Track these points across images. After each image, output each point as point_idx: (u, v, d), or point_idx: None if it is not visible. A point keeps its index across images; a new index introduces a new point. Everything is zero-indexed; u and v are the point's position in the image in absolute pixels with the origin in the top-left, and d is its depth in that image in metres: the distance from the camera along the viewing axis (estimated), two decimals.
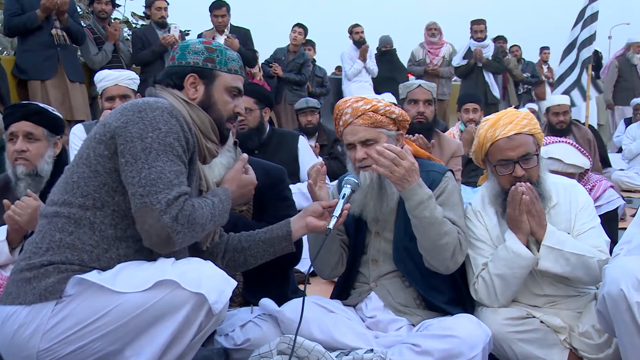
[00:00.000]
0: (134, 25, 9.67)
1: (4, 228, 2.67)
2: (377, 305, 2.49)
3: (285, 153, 4.22)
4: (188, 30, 9.50)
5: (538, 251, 2.39)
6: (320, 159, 4.61)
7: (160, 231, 1.83)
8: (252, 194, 2.35)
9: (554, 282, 2.48)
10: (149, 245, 1.90)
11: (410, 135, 3.91)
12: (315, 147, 5.49)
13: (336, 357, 2.26)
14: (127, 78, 4.00)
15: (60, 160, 2.88)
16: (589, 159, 3.43)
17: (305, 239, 2.61)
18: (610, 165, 7.20)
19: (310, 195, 2.49)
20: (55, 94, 5.69)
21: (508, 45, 10.42)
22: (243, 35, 7.13)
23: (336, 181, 2.73)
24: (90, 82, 5.75)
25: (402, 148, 2.41)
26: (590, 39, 7.39)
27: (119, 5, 9.22)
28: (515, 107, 3.20)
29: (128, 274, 1.87)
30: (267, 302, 2.45)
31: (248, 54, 7.00)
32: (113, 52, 6.37)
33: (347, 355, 2.27)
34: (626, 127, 8.48)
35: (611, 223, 3.58)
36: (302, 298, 2.22)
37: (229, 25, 7.09)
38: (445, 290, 2.49)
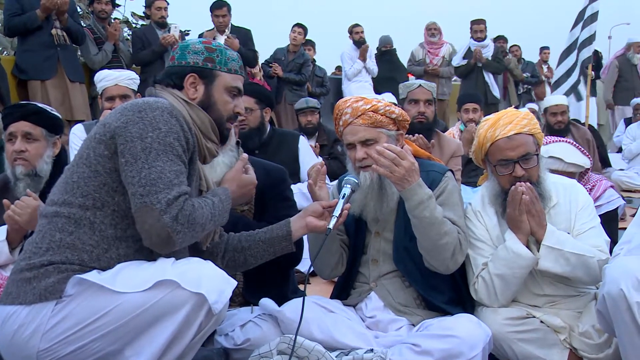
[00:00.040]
0: (134, 25, 9.68)
1: (4, 228, 2.67)
2: (377, 305, 2.49)
3: (285, 153, 4.22)
4: (188, 30, 9.50)
5: (538, 251, 2.39)
6: (320, 159, 4.61)
7: (160, 231, 1.83)
8: (252, 194, 2.35)
9: (554, 282, 2.48)
10: (149, 245, 1.90)
11: (410, 135, 3.91)
12: (315, 147, 5.49)
13: (336, 357, 2.26)
14: (127, 78, 4.00)
15: (60, 160, 2.88)
16: (589, 158, 3.44)
17: (305, 239, 2.61)
18: (610, 165, 7.20)
19: (310, 195, 2.49)
20: (55, 94, 5.69)
21: (508, 45, 10.42)
22: (244, 36, 7.13)
23: (336, 181, 2.73)
24: (90, 82, 5.75)
25: (402, 148, 2.41)
26: (590, 39, 7.39)
27: (119, 5, 9.22)
28: (515, 107, 3.20)
29: (128, 274, 1.87)
30: (267, 302, 2.45)
31: (248, 54, 7.00)
32: (113, 52, 6.37)
33: (347, 355, 2.27)
34: (626, 127, 8.49)
35: (611, 223, 3.58)
36: (302, 298, 2.22)
37: (229, 25, 7.09)
38: (445, 290, 2.49)
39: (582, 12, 7.36)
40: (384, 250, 2.52)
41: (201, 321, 1.85)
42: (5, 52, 8.43)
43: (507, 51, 10.18)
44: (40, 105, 2.96)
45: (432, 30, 9.30)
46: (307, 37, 8.56)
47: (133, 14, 10.02)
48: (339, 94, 8.58)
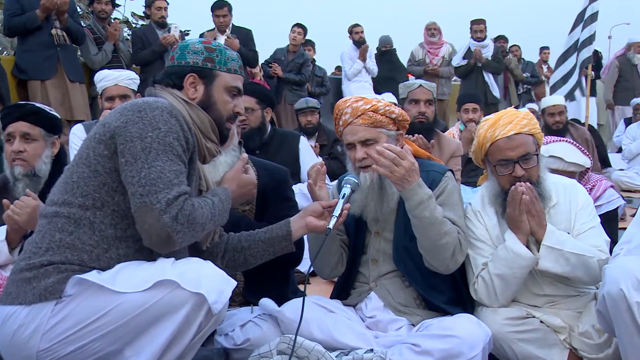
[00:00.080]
0: (134, 25, 9.68)
1: (4, 228, 2.67)
2: (377, 305, 2.49)
3: (286, 153, 4.22)
4: (188, 30, 9.51)
5: (538, 251, 2.39)
6: (320, 159, 4.61)
7: (160, 231, 1.83)
8: (252, 194, 2.35)
9: (554, 282, 2.48)
10: (148, 244, 1.90)
11: (410, 136, 3.91)
12: (315, 147, 5.49)
13: (336, 357, 2.26)
14: (127, 78, 4.01)
15: (59, 160, 2.88)
16: (589, 158, 3.44)
17: (305, 239, 2.61)
18: (610, 165, 7.20)
19: (310, 195, 2.49)
20: (55, 94, 5.69)
21: (508, 45, 10.42)
22: (244, 36, 7.12)
23: (336, 181, 2.73)
24: (90, 82, 5.75)
25: (402, 148, 2.41)
26: (590, 39, 7.39)
27: (119, 5, 9.23)
28: (515, 107, 3.20)
29: (128, 274, 1.87)
30: (267, 302, 2.45)
31: (249, 54, 7.00)
32: (113, 52, 6.37)
33: (347, 355, 2.27)
34: (626, 127, 8.49)
35: (611, 223, 3.58)
36: (302, 298, 2.22)
37: (230, 25, 7.08)
38: (445, 290, 2.49)
39: (582, 14, 7.36)
40: (384, 250, 2.52)
41: (201, 321, 1.85)
42: (5, 52, 8.43)
43: (507, 51, 10.18)
44: (38, 105, 2.95)
45: (432, 30, 9.30)
46: (307, 37, 8.56)
47: (133, 14, 10.03)
48: (339, 94, 8.58)
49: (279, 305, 2.41)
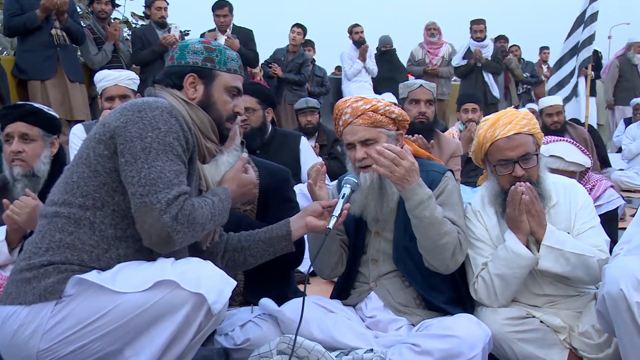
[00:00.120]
0: (133, 25, 9.68)
1: (3, 228, 2.67)
2: (377, 305, 2.49)
3: (287, 153, 4.22)
4: (188, 30, 9.52)
5: (538, 251, 2.39)
6: (320, 159, 4.61)
7: (160, 231, 1.83)
8: (252, 193, 2.35)
9: (554, 282, 2.48)
10: (148, 244, 1.90)
11: (410, 136, 3.91)
12: (315, 147, 5.49)
13: (336, 357, 2.26)
14: (126, 78, 4.01)
15: (58, 160, 2.88)
16: (589, 157, 3.44)
17: (306, 239, 2.61)
18: (610, 165, 7.20)
19: (310, 195, 2.49)
20: (55, 94, 5.69)
21: (508, 45, 10.42)
22: (245, 36, 7.11)
23: (336, 181, 2.73)
24: (90, 82, 5.76)
25: (402, 148, 2.41)
26: (590, 39, 7.39)
27: (119, 5, 9.23)
28: (515, 107, 3.20)
29: (128, 274, 1.87)
30: (267, 302, 2.45)
31: (249, 54, 7.00)
32: (113, 52, 6.37)
33: (347, 355, 2.27)
34: (626, 127, 8.49)
35: (611, 223, 3.58)
36: (302, 298, 2.22)
37: (231, 25, 7.08)
38: (445, 290, 2.49)
39: (580, 17, 7.34)
40: (383, 250, 2.52)
41: (201, 321, 1.85)
42: (5, 52, 8.44)
43: (507, 51, 10.18)
44: (36, 105, 2.95)
45: (432, 30, 9.30)
46: (306, 37, 8.56)
47: (133, 14, 10.04)
48: (339, 94, 8.58)
49: (279, 305, 2.41)
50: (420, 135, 4.09)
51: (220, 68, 2.13)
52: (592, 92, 9.05)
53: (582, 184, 3.11)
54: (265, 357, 2.27)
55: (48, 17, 5.63)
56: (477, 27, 8.96)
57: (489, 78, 8.90)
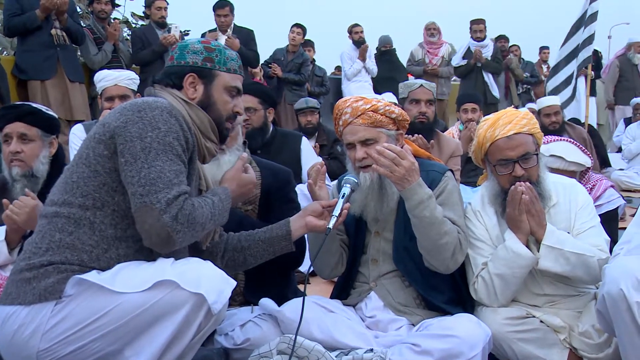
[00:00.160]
0: (133, 25, 9.68)
1: (3, 228, 2.67)
2: (377, 305, 2.49)
3: (287, 153, 4.22)
4: (188, 30, 9.52)
5: (538, 251, 2.39)
6: (320, 159, 4.61)
7: (160, 230, 1.83)
8: (252, 193, 2.35)
9: (554, 282, 2.48)
10: (148, 244, 1.90)
11: (410, 135, 3.91)
12: (315, 147, 5.49)
13: (336, 357, 2.25)
14: (126, 78, 4.01)
15: (57, 160, 2.88)
16: (589, 157, 3.44)
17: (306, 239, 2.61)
18: (610, 165, 7.20)
19: (310, 195, 2.49)
20: (55, 94, 5.69)
21: (508, 45, 10.41)
22: (246, 36, 7.10)
23: (336, 181, 2.73)
24: (90, 82, 5.76)
25: (402, 148, 2.41)
26: (590, 39, 7.38)
27: (119, 5, 9.23)
28: (515, 107, 3.20)
29: (127, 274, 1.87)
30: (267, 302, 2.45)
31: (249, 55, 6.99)
32: (113, 52, 6.37)
33: (347, 355, 2.27)
34: (626, 127, 8.49)
35: (611, 222, 3.58)
36: (302, 298, 2.22)
37: (232, 25, 7.07)
38: (445, 290, 2.49)
39: (579, 20, 7.32)
40: (383, 250, 2.52)
41: (200, 321, 1.85)
42: (5, 52, 8.44)
43: (508, 51, 10.18)
44: (34, 105, 2.95)
45: (432, 30, 9.30)
46: (306, 37, 8.56)
47: (133, 14, 10.04)
48: (339, 94, 8.58)
49: (279, 305, 2.41)
50: (420, 135, 4.09)
51: (220, 68, 2.13)
52: (592, 92, 9.06)
53: (582, 183, 3.11)
54: (265, 357, 2.27)
55: (48, 17, 5.63)
56: (477, 27, 8.96)
57: (488, 78, 8.90)
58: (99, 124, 1.98)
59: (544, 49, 11.25)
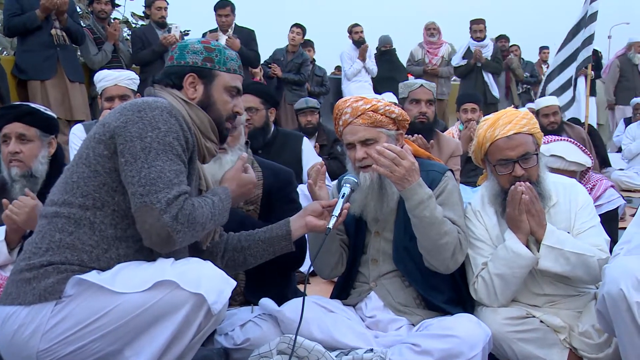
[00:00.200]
0: (133, 25, 9.68)
1: (2, 228, 2.67)
2: (377, 305, 2.49)
3: (288, 154, 4.22)
4: (188, 30, 9.52)
5: (538, 251, 2.39)
6: (321, 159, 4.61)
7: (160, 230, 1.83)
8: (252, 193, 2.35)
9: (554, 282, 2.48)
10: (149, 244, 1.90)
11: (410, 136, 3.91)
12: (315, 147, 5.49)
13: (336, 357, 2.25)
14: (126, 78, 4.01)
15: (56, 159, 2.88)
16: (590, 157, 3.44)
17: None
18: (610, 165, 7.19)
19: (310, 195, 2.49)
20: (55, 94, 5.69)
21: (509, 45, 10.42)
22: (246, 36, 7.10)
23: (336, 181, 2.73)
24: (90, 82, 5.76)
25: (402, 148, 2.41)
26: (590, 39, 7.38)
27: (119, 5, 9.23)
28: (515, 107, 3.20)
29: (127, 275, 1.87)
30: (267, 302, 2.45)
31: (250, 55, 6.99)
32: (113, 52, 6.37)
33: (347, 355, 2.27)
34: (626, 126, 8.49)
35: (611, 222, 3.58)
36: (302, 298, 2.22)
37: (233, 25, 7.07)
38: (445, 290, 2.49)
39: (579, 23, 7.31)
40: (383, 250, 2.52)
41: (200, 321, 1.85)
42: (5, 52, 8.44)
43: (508, 50, 10.18)
44: (33, 105, 2.95)
45: (431, 30, 9.29)
46: (306, 37, 8.56)
47: (133, 14, 10.03)
48: (339, 94, 8.58)
49: (279, 305, 2.41)
50: (420, 135, 4.09)
51: (219, 68, 2.13)
52: (592, 92, 9.05)
53: (582, 183, 3.11)
54: (265, 357, 2.27)
55: (48, 17, 5.63)
56: (477, 27, 8.96)
57: (488, 78, 8.89)
58: (99, 124, 1.98)
59: (544, 49, 11.25)
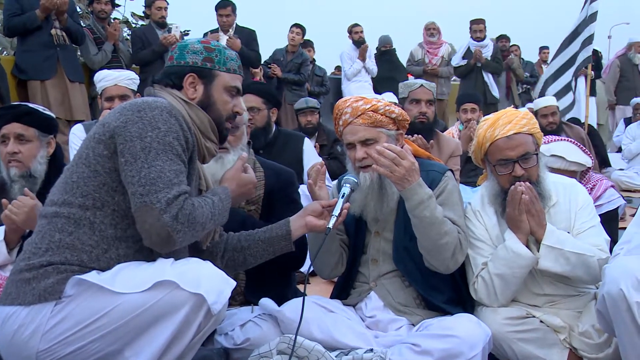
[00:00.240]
0: (133, 25, 9.69)
1: (2, 228, 2.67)
2: (377, 305, 2.49)
3: (289, 154, 4.23)
4: (188, 30, 9.52)
5: (538, 251, 2.39)
6: (320, 159, 4.62)
7: (160, 230, 1.83)
8: (252, 193, 2.35)
9: (554, 282, 2.48)
10: (149, 244, 1.90)
11: (410, 136, 3.91)
12: (315, 147, 5.48)
13: (336, 357, 2.25)
14: (126, 78, 4.01)
15: (55, 160, 2.88)
16: (590, 157, 3.44)
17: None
18: (610, 165, 7.19)
19: (310, 195, 2.49)
20: (55, 94, 5.69)
21: (509, 45, 10.41)
22: (247, 36, 7.09)
23: (336, 181, 2.73)
24: (90, 82, 5.76)
25: (402, 148, 2.41)
26: (590, 39, 7.37)
27: (119, 5, 9.24)
28: (515, 107, 3.20)
29: (127, 275, 1.87)
30: (267, 302, 2.45)
31: (251, 55, 6.99)
32: (113, 52, 6.37)
33: (346, 355, 2.27)
34: (626, 127, 8.49)
35: (611, 222, 3.58)
36: (302, 298, 2.22)
37: (234, 25, 7.07)
38: (445, 290, 2.49)
39: (573, 34, 7.29)
40: (383, 250, 2.52)
41: (200, 321, 1.85)
42: (5, 52, 8.44)
43: (508, 50, 10.18)
44: (31, 105, 2.95)
45: (431, 30, 9.29)
46: (306, 37, 8.56)
47: (133, 14, 10.04)
48: (339, 94, 8.58)
49: (279, 305, 2.41)
50: (420, 135, 4.09)
51: (219, 68, 2.13)
52: (592, 92, 9.05)
53: (582, 183, 3.11)
54: (265, 357, 2.27)
55: (48, 17, 5.63)
56: (477, 27, 8.96)
57: (488, 78, 8.90)
58: (99, 124, 1.98)
59: (544, 49, 11.25)
